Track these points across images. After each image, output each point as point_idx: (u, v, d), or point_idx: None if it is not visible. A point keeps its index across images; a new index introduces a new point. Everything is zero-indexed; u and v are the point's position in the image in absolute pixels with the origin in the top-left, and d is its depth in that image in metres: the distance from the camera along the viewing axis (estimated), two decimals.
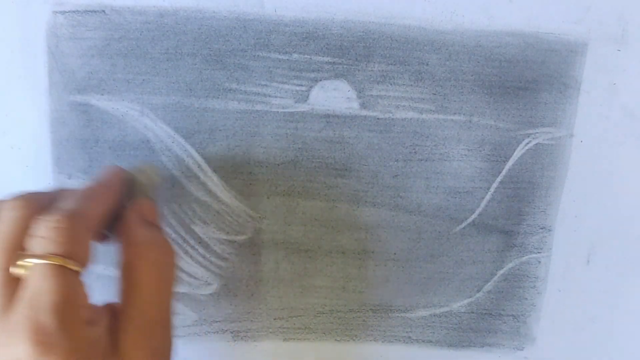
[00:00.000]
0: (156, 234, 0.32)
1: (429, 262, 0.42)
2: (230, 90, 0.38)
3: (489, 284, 0.42)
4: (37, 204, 0.29)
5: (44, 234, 0.27)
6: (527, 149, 0.40)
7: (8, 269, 0.28)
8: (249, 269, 0.41)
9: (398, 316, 0.43)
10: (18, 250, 0.28)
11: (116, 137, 0.38)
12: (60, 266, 0.27)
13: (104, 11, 0.36)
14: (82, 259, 0.28)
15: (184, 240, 0.40)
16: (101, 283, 0.41)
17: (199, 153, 0.39)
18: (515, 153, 0.40)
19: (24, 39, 0.36)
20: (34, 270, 0.27)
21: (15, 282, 0.28)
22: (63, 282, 0.27)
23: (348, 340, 0.43)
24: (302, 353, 0.43)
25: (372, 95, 0.38)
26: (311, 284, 0.42)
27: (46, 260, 0.27)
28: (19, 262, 0.28)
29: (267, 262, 0.41)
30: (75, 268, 0.28)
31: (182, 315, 0.42)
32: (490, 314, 0.43)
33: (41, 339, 0.26)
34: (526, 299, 0.43)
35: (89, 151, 0.38)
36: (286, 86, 0.38)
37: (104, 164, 0.39)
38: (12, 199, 0.29)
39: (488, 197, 0.41)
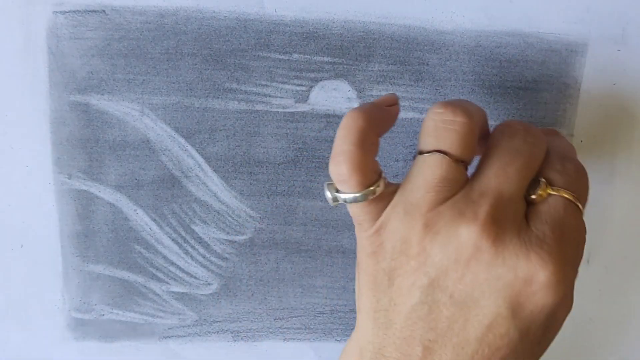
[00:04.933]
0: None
1: None
2: (230, 90, 0.38)
3: None
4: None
5: (569, 172, 0.31)
6: None
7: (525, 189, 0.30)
8: (249, 269, 0.41)
9: None
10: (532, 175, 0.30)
11: (116, 137, 0.38)
12: (576, 205, 0.30)
13: (104, 11, 0.36)
14: (583, 201, 0.31)
15: (184, 240, 0.40)
16: (101, 282, 0.41)
17: (199, 153, 0.39)
18: None
19: (24, 39, 0.36)
20: (552, 199, 0.30)
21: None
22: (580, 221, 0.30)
23: None
24: (302, 353, 0.43)
25: (372, 95, 0.38)
26: (311, 284, 0.42)
27: (562, 195, 0.30)
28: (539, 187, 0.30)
29: (267, 262, 0.41)
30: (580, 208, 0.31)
31: (182, 315, 0.42)
32: None
33: (561, 266, 0.28)
34: None
35: (89, 151, 0.38)
36: (286, 86, 0.38)
37: (104, 164, 0.39)
38: (533, 130, 0.32)
39: None
